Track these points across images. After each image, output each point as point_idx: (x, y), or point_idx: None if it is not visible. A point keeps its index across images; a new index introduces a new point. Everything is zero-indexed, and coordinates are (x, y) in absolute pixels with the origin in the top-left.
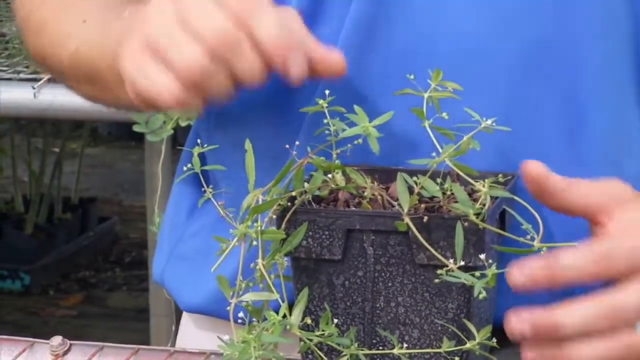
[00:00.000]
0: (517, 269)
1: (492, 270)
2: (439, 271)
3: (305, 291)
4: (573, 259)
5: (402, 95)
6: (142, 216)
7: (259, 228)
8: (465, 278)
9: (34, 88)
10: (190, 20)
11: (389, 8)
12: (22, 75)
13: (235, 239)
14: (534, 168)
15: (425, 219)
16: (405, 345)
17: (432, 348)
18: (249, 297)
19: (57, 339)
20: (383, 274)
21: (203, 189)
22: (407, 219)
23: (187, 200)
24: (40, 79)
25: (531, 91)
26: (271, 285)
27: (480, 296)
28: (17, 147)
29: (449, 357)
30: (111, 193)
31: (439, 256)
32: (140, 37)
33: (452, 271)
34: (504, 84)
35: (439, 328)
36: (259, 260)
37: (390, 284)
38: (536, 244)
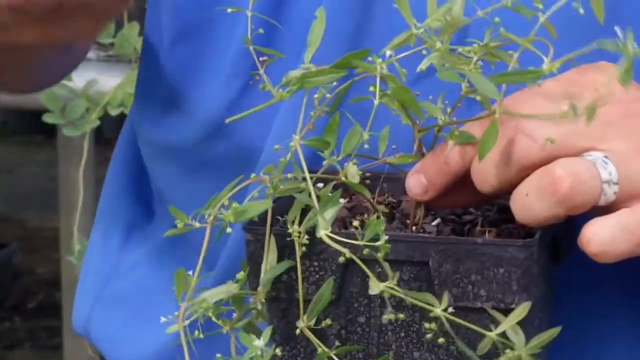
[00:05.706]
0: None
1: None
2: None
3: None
4: None
5: None
6: (54, 242)
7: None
8: None
9: None
10: None
11: None
12: None
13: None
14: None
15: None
16: None
17: None
18: None
19: None
20: (393, 320)
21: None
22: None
23: (121, 219)
24: None
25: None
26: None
27: None
28: None
29: None
30: (9, 209)
31: None
32: None
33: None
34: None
35: None
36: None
37: (402, 334)
38: None
